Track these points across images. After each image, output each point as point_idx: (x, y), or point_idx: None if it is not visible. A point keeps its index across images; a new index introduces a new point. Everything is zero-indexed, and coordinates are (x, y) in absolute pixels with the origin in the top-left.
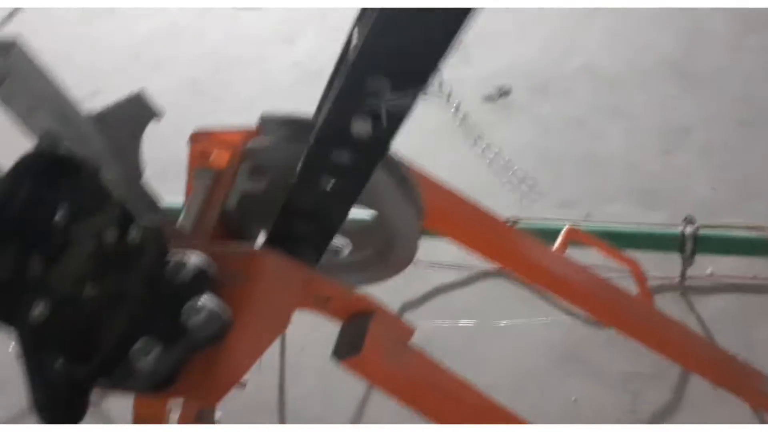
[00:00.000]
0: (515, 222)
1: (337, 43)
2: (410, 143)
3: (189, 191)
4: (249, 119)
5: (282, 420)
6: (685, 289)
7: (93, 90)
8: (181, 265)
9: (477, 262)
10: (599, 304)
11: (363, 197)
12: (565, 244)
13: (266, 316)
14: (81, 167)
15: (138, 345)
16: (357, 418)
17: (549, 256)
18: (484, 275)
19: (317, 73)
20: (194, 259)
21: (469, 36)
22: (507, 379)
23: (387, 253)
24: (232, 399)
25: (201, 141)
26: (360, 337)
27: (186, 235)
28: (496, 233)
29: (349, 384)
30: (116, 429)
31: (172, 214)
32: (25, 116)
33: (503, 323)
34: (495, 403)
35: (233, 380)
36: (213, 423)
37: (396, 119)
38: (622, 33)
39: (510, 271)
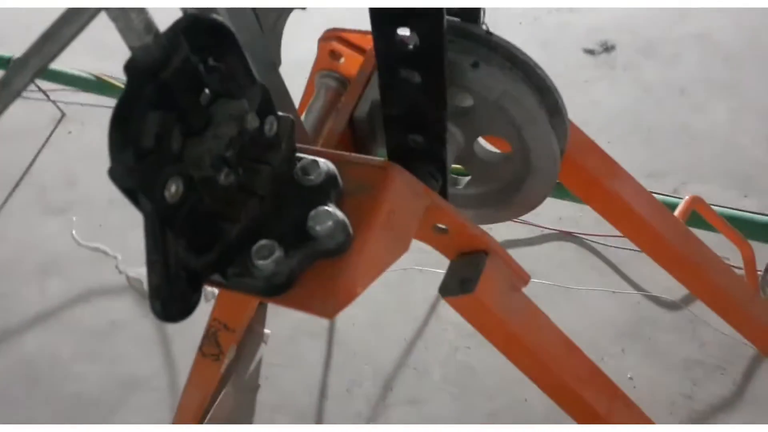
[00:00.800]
0: None
1: None
2: None
3: (308, 92)
4: None
5: (330, 345)
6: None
7: None
8: (313, 167)
9: (548, 221)
10: (707, 283)
11: (510, 121)
12: (686, 212)
13: (387, 236)
14: (235, 42)
15: (259, 244)
16: (404, 356)
17: (676, 229)
18: (555, 237)
19: None
20: (325, 163)
21: None
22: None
23: (513, 191)
24: (281, 319)
25: (332, 40)
26: (474, 277)
27: (309, 138)
28: (629, 199)
29: (401, 315)
30: (116, 429)
31: None
32: None
33: (571, 287)
34: (597, 369)
35: (350, 297)
36: (263, 341)
37: None
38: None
39: (632, 239)
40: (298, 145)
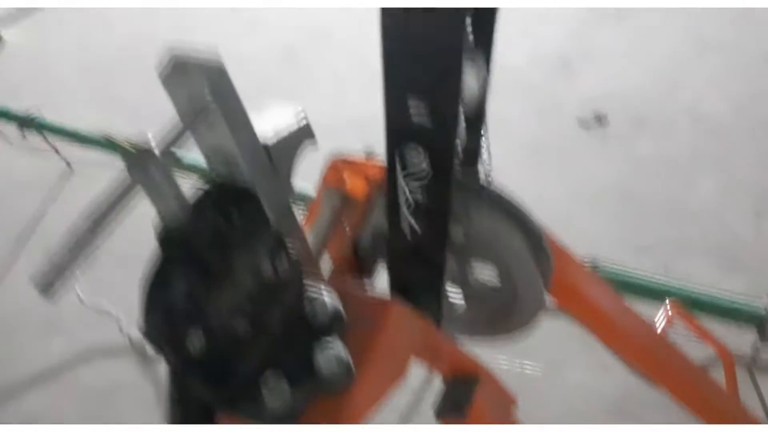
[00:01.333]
0: (595, 266)
1: None
2: None
3: (314, 207)
4: None
5: None
6: (754, 366)
7: None
8: (321, 304)
9: None
10: (689, 394)
11: (495, 255)
12: (669, 322)
13: (386, 367)
14: (254, 199)
15: (266, 378)
16: None
17: (658, 344)
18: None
19: None
20: (331, 299)
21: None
22: (555, 419)
23: (501, 319)
24: None
25: (338, 168)
26: (464, 402)
27: (315, 264)
28: (625, 323)
29: None
30: (116, 429)
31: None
32: (212, 152)
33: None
34: None
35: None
36: None
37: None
38: (736, 75)
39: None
40: (305, 268)
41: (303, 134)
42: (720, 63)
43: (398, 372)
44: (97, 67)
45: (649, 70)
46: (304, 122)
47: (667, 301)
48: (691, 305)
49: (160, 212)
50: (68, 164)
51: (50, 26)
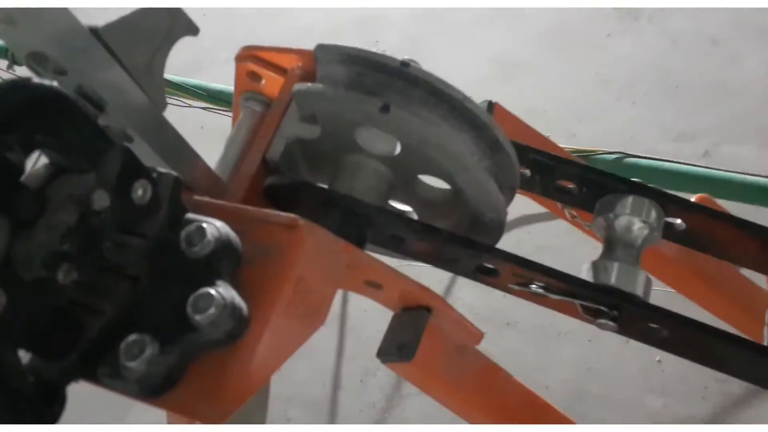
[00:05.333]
0: (622, 157)
1: None
2: None
3: (236, 119)
4: None
5: (342, 332)
6: None
7: None
8: (198, 235)
9: None
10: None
11: (439, 167)
12: None
13: (296, 310)
14: (71, 106)
15: (128, 340)
16: None
17: None
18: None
19: None
20: (214, 228)
21: None
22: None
23: (467, 229)
24: None
25: (249, 60)
26: (413, 341)
27: (220, 187)
28: None
29: None
30: (117, 429)
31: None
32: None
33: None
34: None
35: (245, 394)
36: None
37: None
38: None
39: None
40: (197, 198)
41: (169, 20)
42: None
43: (314, 312)
44: None
45: None
46: (171, 7)
47: (693, 198)
48: (735, 193)
49: None
50: None
51: None
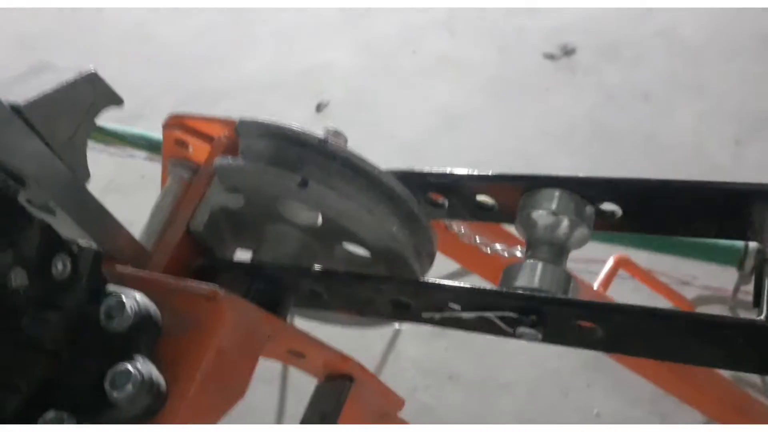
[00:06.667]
0: None
1: None
2: None
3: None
4: None
5: (283, 391)
6: (736, 303)
7: None
8: (117, 309)
9: None
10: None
11: (358, 238)
12: (611, 275)
13: (215, 383)
14: None
15: (47, 416)
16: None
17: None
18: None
19: None
20: (133, 301)
21: None
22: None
23: None
24: None
25: (176, 128)
26: (334, 411)
27: (144, 256)
28: None
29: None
30: (116, 429)
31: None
32: None
33: None
34: None
35: None
36: None
37: None
38: None
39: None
40: (119, 267)
41: (92, 90)
42: None
43: (235, 384)
44: None
45: None
46: (93, 78)
47: (611, 259)
48: (672, 248)
49: None
50: None
51: None
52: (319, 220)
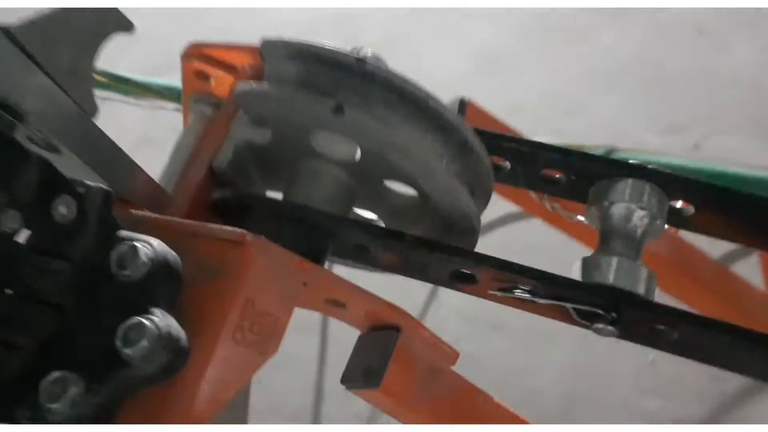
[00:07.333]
0: (610, 151)
1: None
2: None
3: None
4: None
5: (323, 340)
6: None
7: None
8: (130, 256)
9: None
10: None
11: (402, 173)
12: None
13: (247, 333)
14: None
15: (50, 378)
16: None
17: None
18: None
19: None
20: (149, 247)
21: None
22: None
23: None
24: None
25: (195, 59)
26: (380, 366)
27: (163, 199)
28: None
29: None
30: (116, 429)
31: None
32: None
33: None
34: None
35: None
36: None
37: None
38: None
39: None
40: (134, 212)
41: (97, 15)
42: None
43: (267, 338)
44: None
45: None
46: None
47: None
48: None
49: None
50: None
51: None
52: (358, 154)
